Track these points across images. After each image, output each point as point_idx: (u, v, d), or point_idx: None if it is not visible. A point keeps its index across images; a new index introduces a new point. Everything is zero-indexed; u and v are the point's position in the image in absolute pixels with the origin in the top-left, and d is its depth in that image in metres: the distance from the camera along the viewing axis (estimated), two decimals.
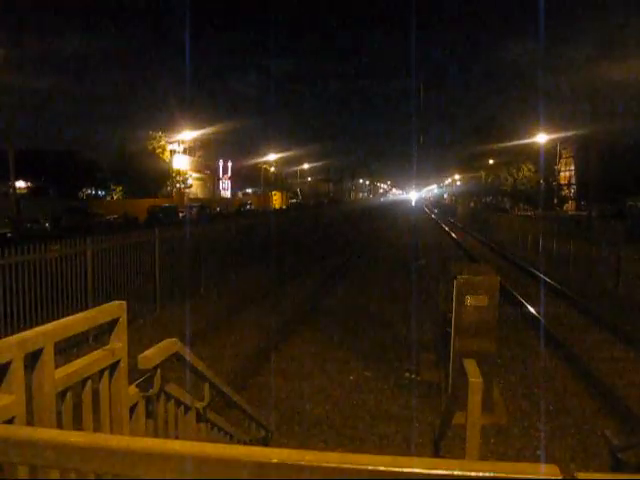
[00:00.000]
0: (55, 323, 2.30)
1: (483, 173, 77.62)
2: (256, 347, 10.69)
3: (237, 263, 18.61)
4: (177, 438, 3.45)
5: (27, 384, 2.09)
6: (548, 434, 7.13)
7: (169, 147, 63.05)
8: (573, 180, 68.85)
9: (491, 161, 71.10)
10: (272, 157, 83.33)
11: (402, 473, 1.01)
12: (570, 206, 65.18)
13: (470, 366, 4.49)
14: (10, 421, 1.96)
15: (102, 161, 63.58)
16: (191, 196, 66.53)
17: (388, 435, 7.15)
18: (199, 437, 3.90)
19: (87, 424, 2.51)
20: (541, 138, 50.72)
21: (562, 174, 69.47)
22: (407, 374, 9.30)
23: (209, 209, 55.86)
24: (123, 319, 2.70)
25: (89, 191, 66.01)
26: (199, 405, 3.85)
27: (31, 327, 2.24)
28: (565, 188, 67.56)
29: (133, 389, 2.93)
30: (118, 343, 2.69)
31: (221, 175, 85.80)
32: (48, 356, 2.16)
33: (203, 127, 61.98)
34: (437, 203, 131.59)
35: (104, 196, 64.68)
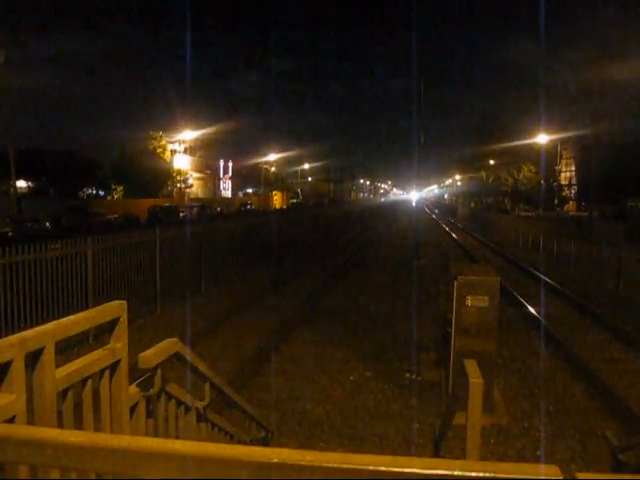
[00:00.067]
0: (56, 323, 2.30)
1: (484, 173, 77.62)
2: (256, 347, 10.69)
3: (238, 263, 18.62)
4: (177, 438, 3.45)
5: (28, 383, 2.09)
6: (548, 434, 7.13)
7: (170, 147, 63.08)
8: (574, 181, 68.80)
9: (492, 161, 71.10)
10: (273, 157, 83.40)
11: (403, 473, 1.01)
12: (571, 207, 65.17)
13: (471, 366, 4.49)
14: (11, 420, 1.96)
15: (103, 161, 63.63)
16: (192, 196, 66.56)
17: (388, 435, 7.15)
18: (199, 437, 3.90)
19: (88, 423, 2.51)
20: (542, 138, 50.69)
21: (563, 174, 69.44)
22: (407, 374, 9.30)
23: (210, 209, 55.87)
24: (124, 319, 2.70)
25: (90, 191, 66.02)
26: (199, 405, 3.85)
27: (32, 326, 2.25)
28: (566, 189, 67.54)
29: (134, 389, 2.93)
30: (119, 343, 2.69)
31: (222, 175, 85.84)
32: (49, 355, 2.16)
33: (204, 127, 62.07)
34: (438, 203, 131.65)
35: (105, 196, 64.66)
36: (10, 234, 27.32)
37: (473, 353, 6.55)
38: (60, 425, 2.27)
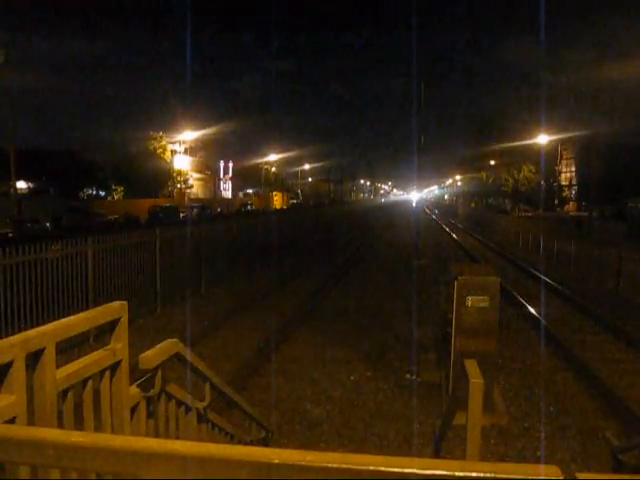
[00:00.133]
0: (56, 323, 2.30)
1: (484, 174, 77.63)
2: (256, 347, 10.69)
3: (238, 263, 18.63)
4: (178, 438, 3.45)
5: (28, 384, 2.09)
6: (548, 435, 7.13)
7: (170, 147, 63.08)
8: (574, 181, 68.79)
9: (492, 162, 71.10)
10: (273, 157, 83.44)
11: (403, 474, 1.01)
12: (571, 207, 65.14)
13: (471, 366, 4.48)
14: (11, 421, 1.96)
15: (103, 161, 63.56)
16: (192, 196, 66.61)
17: (388, 436, 7.15)
18: (200, 437, 3.90)
19: (88, 424, 2.51)
20: (542, 139, 50.67)
21: (563, 175, 69.42)
22: (408, 375, 9.30)
23: (210, 209, 55.92)
24: (124, 319, 2.70)
25: (90, 191, 65.97)
26: (200, 405, 3.86)
27: (32, 327, 2.25)
28: (566, 189, 67.52)
29: (134, 389, 2.93)
30: (119, 343, 2.69)
31: (222, 175, 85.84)
32: (49, 356, 2.16)
33: (204, 127, 62.10)
34: (438, 204, 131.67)
35: (105, 196, 64.64)
36: (10, 235, 27.33)
37: (473, 353, 6.55)
38: (61, 426, 2.27)
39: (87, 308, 3.28)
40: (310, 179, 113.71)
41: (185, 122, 59.23)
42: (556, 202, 61.09)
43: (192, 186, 68.34)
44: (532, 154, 58.34)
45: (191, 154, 71.21)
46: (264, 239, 21.61)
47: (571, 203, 65.77)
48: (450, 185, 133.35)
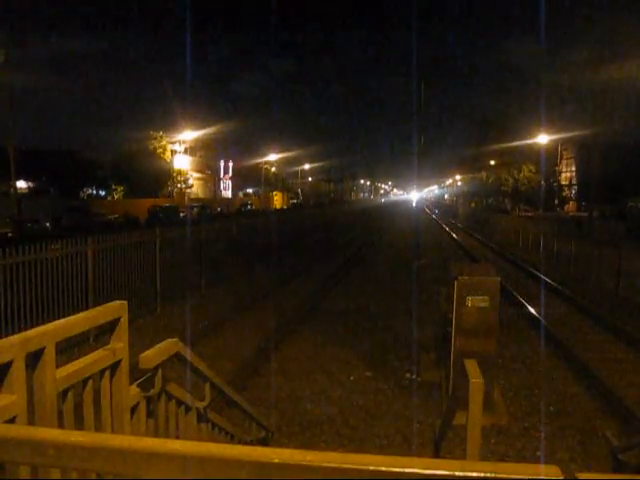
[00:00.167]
0: (56, 323, 2.31)
1: (484, 174, 77.65)
2: (256, 347, 10.69)
3: (238, 263, 18.63)
4: (178, 438, 3.45)
5: (28, 384, 2.09)
6: (548, 435, 7.13)
7: (170, 147, 63.08)
8: (574, 181, 68.84)
9: (492, 162, 71.13)
10: (273, 157, 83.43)
11: (403, 473, 1.01)
12: (571, 207, 65.19)
13: (471, 366, 4.49)
14: (11, 420, 1.96)
15: (103, 161, 63.61)
16: (192, 196, 66.59)
17: (388, 435, 7.15)
18: (200, 437, 3.90)
19: (88, 424, 2.51)
20: (542, 139, 50.73)
21: (563, 175, 69.47)
22: (407, 374, 9.30)
23: (210, 209, 55.92)
24: (124, 319, 2.70)
25: (90, 191, 66.02)
26: (200, 405, 3.86)
27: (32, 327, 2.25)
28: (566, 189, 67.58)
29: (134, 389, 2.94)
30: (119, 343, 2.69)
31: (222, 175, 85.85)
32: (49, 356, 2.16)
33: (204, 127, 62.09)
34: (438, 204, 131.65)
35: (105, 196, 64.67)
36: (10, 234, 27.33)
37: (473, 353, 6.55)
38: (61, 425, 2.27)
39: (87, 308, 3.28)
40: (310, 179, 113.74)
41: (185, 122, 59.30)
42: (556, 202, 61.10)
43: (192, 186, 68.36)
44: (532, 154, 58.42)
45: (191, 154, 71.22)
46: (264, 239, 21.61)
47: (571, 203, 65.82)
48: (450, 185, 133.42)
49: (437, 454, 6.38)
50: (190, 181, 67.17)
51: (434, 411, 7.77)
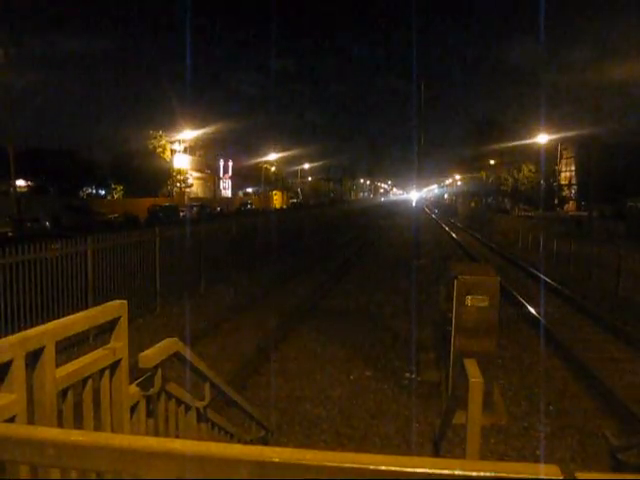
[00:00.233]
0: (56, 322, 2.31)
1: (484, 173, 77.65)
2: (256, 346, 10.69)
3: (237, 262, 18.62)
4: (178, 437, 3.45)
5: (28, 383, 2.09)
6: (548, 434, 7.13)
7: (170, 146, 63.04)
8: (573, 180, 68.86)
9: (492, 161, 71.13)
10: (273, 156, 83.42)
11: (403, 473, 1.01)
12: (570, 206, 65.20)
13: (471, 366, 4.49)
14: (11, 420, 1.96)
15: (102, 160, 63.62)
16: (192, 195, 66.56)
17: (388, 435, 7.16)
18: (200, 436, 3.90)
19: (88, 423, 2.52)
20: (542, 138, 50.72)
21: (562, 174, 69.51)
22: (407, 374, 9.30)
23: (210, 208, 55.91)
24: (124, 318, 2.70)
25: (89, 190, 65.99)
26: (199, 404, 3.86)
27: (32, 326, 2.25)
28: (565, 188, 67.59)
29: (134, 388, 2.94)
30: (119, 342, 2.69)
31: (222, 174, 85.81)
32: (49, 355, 2.16)
33: (204, 126, 62.10)
34: (437, 203, 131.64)
35: (104, 195, 64.66)
36: (10, 234, 27.31)
37: (473, 353, 6.56)
38: (60, 425, 2.27)
39: (87, 307, 3.28)
40: (310, 178, 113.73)
41: (185, 121, 59.32)
42: (556, 202, 61.12)
43: (192, 185, 68.30)
44: (532, 153, 58.41)
45: (191, 153, 71.18)
46: (264, 238, 21.61)
47: (571, 202, 65.84)
48: (450, 184, 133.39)
49: (437, 453, 6.38)
50: (190, 180, 67.11)
51: (434, 410, 7.78)
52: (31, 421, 2.09)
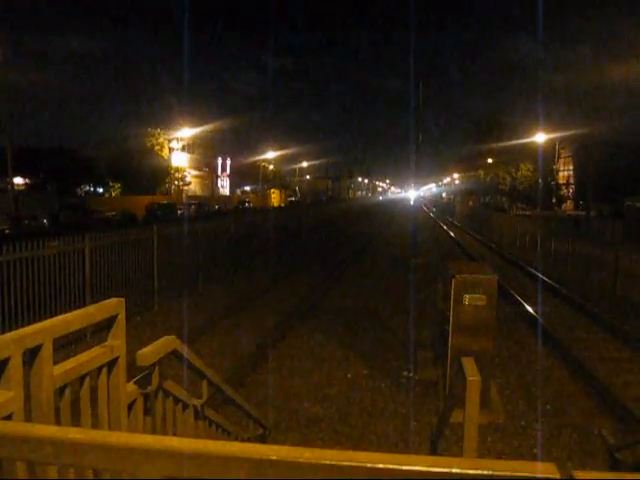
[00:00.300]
0: (54, 320, 2.30)
1: (482, 172, 77.69)
2: (254, 345, 10.69)
3: (235, 261, 18.61)
4: (175, 435, 3.45)
5: (25, 380, 2.09)
6: (545, 433, 7.14)
7: (168, 144, 62.95)
8: (571, 180, 68.89)
9: (490, 160, 71.14)
10: (271, 155, 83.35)
11: (401, 471, 1.01)
12: (568, 206, 65.25)
13: (468, 364, 4.49)
14: (8, 417, 1.96)
15: (100, 158, 63.48)
16: (190, 193, 66.47)
17: (385, 433, 7.16)
18: (197, 434, 3.90)
19: (85, 420, 2.51)
20: (540, 137, 50.76)
21: (560, 174, 69.48)
22: (405, 372, 9.31)
23: (207, 207, 55.84)
24: (122, 316, 2.70)
25: (87, 188, 65.87)
26: (197, 402, 3.86)
27: (29, 324, 2.24)
28: (563, 188, 67.60)
29: (131, 386, 2.93)
30: (116, 340, 2.68)
31: (220, 173, 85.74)
32: (47, 352, 2.16)
33: (202, 124, 61.98)
34: (435, 202, 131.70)
35: (102, 193, 64.56)
36: (7, 231, 27.28)
37: (470, 351, 6.56)
38: (58, 422, 2.27)
39: (84, 305, 3.28)
40: (308, 176, 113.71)
41: (183, 119, 59.20)
42: (554, 201, 61.16)
43: (190, 183, 68.22)
44: (530, 152, 58.44)
45: (189, 151, 71.10)
46: (262, 236, 21.59)
47: (568, 202, 65.88)
48: (448, 183, 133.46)
49: (434, 452, 6.39)
50: (188, 178, 67.04)
51: (431, 409, 7.78)
52: (28, 419, 2.09)
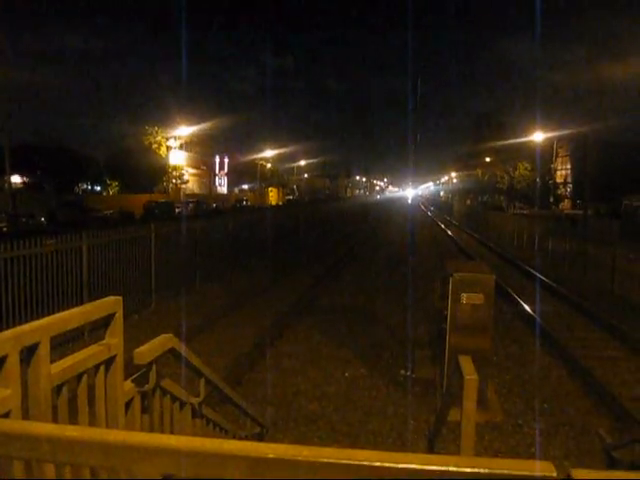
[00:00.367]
0: (51, 318, 2.30)
1: (479, 171, 77.78)
2: (251, 343, 10.69)
3: (233, 259, 18.60)
4: (172, 433, 3.45)
5: (23, 378, 2.08)
6: (543, 432, 7.15)
7: (165, 143, 62.88)
8: (569, 179, 68.98)
9: (488, 159, 71.24)
10: (269, 153, 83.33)
11: (397, 469, 1.01)
12: (566, 205, 65.32)
13: (465, 363, 4.50)
14: (6, 415, 1.96)
15: (98, 156, 63.49)
16: (187, 192, 66.43)
17: (383, 432, 7.17)
18: (194, 432, 3.90)
19: (83, 419, 2.51)
20: (538, 136, 50.76)
21: (558, 172, 69.61)
22: (402, 371, 9.31)
23: (205, 205, 55.83)
24: (119, 314, 2.70)
25: (85, 186, 65.83)
26: (194, 401, 3.85)
27: (27, 322, 2.24)
28: (561, 187, 67.69)
29: (129, 384, 2.93)
30: (114, 338, 2.68)
31: (217, 171, 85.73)
32: (44, 351, 2.15)
33: (199, 123, 61.90)
34: (433, 201, 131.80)
35: (100, 191, 64.53)
36: (5, 229, 27.26)
37: (468, 350, 6.57)
38: (55, 420, 2.27)
39: (82, 303, 3.28)
40: (306, 175, 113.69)
41: (181, 117, 59.10)
42: (551, 200, 61.23)
43: (187, 181, 68.20)
44: (528, 151, 58.52)
45: (186, 149, 71.04)
46: (259, 235, 21.58)
47: (566, 201, 65.96)
48: (446, 182, 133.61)
49: (431, 450, 6.39)
50: (185, 177, 67.01)
51: (428, 407, 7.79)
52: (26, 417, 2.09)
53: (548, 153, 60.22)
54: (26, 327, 2.13)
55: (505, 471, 1.01)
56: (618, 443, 6.34)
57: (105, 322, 2.68)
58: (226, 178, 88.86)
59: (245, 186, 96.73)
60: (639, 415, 7.22)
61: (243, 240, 19.80)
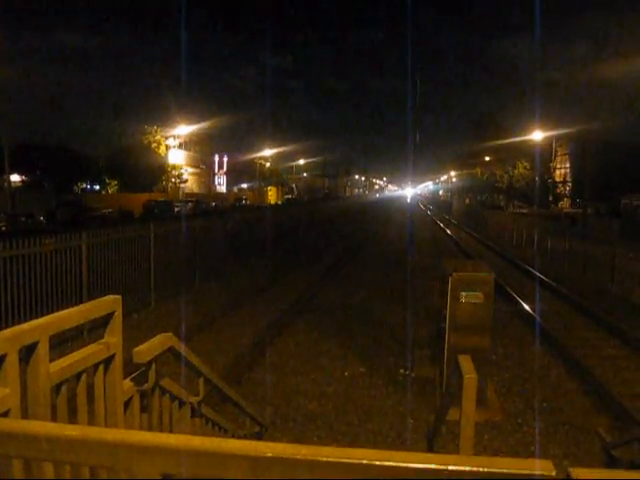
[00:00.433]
0: (50, 317, 2.30)
1: (479, 170, 77.76)
2: (250, 342, 10.69)
3: (232, 258, 18.59)
4: (172, 432, 3.45)
5: (22, 377, 2.08)
6: (542, 431, 7.16)
7: (165, 142, 62.82)
8: (568, 177, 69.01)
9: (487, 158, 71.22)
10: (268, 152, 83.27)
11: (397, 468, 1.01)
12: (565, 204, 65.34)
13: (465, 362, 4.50)
14: (5, 414, 1.96)
15: (97, 155, 63.38)
16: (187, 191, 66.37)
17: (382, 431, 7.17)
18: (193, 431, 3.90)
19: (82, 418, 2.51)
20: (537, 135, 50.76)
21: (557, 172, 69.62)
22: (401, 370, 9.31)
23: (204, 204, 55.79)
24: (118, 313, 2.70)
25: (84, 185, 65.75)
26: (194, 400, 3.85)
27: (26, 321, 2.24)
28: (560, 185, 67.71)
29: (128, 383, 2.93)
30: (113, 337, 2.68)
31: (217, 170, 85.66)
32: (43, 350, 2.15)
33: (199, 122, 61.86)
34: (432, 200, 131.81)
35: (99, 190, 64.46)
36: (4, 228, 27.24)
37: (467, 349, 6.57)
38: (54, 419, 2.27)
39: (81, 302, 3.27)
40: (305, 174, 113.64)
41: (180, 116, 59.04)
42: (550, 199, 61.25)
43: (187, 180, 68.10)
44: (527, 150, 58.50)
45: (186, 148, 70.98)
46: (259, 234, 21.57)
47: (565, 200, 65.99)
48: (445, 181, 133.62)
49: (430, 449, 6.39)
50: (185, 176, 66.91)
51: (428, 406, 7.79)
52: (25, 416, 2.09)
53: (547, 152, 60.24)
54: (25, 326, 2.13)
55: (504, 470, 1.01)
56: (617, 442, 6.34)
57: (104, 321, 2.68)
58: (225, 177, 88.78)
59: (244, 185, 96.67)
60: (638, 414, 7.23)
61: (242, 239, 19.79)
